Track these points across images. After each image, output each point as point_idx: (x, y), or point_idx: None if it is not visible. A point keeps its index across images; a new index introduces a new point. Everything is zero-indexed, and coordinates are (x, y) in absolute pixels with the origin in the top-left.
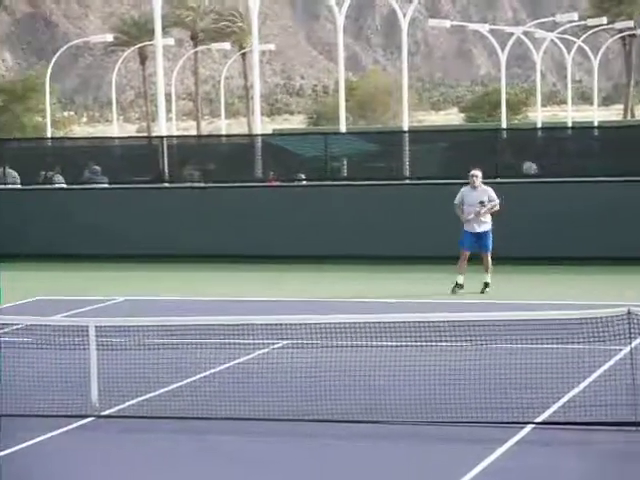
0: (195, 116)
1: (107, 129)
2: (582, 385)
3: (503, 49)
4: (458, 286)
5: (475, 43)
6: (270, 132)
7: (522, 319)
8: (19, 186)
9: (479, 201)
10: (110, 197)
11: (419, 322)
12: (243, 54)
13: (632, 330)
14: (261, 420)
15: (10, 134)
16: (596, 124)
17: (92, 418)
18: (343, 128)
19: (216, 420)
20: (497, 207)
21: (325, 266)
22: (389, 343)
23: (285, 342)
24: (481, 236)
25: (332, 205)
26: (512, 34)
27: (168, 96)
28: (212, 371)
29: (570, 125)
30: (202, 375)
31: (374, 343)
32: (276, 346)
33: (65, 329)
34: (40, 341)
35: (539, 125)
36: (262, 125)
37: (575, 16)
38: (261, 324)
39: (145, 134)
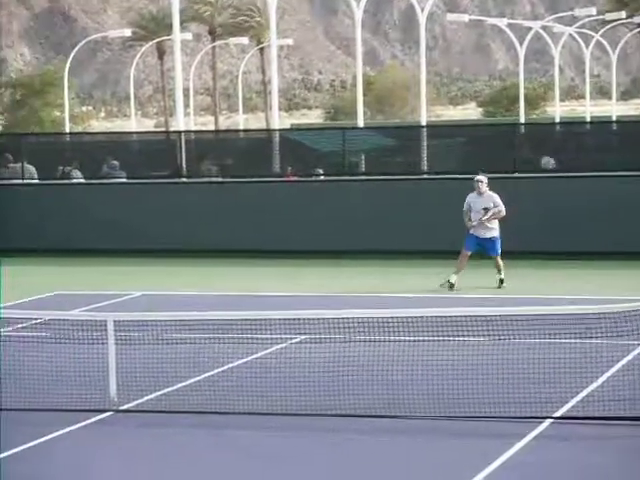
0: (213, 111)
1: (125, 124)
2: (600, 380)
3: (521, 44)
4: (449, 284)
5: (493, 37)
6: (288, 127)
7: (540, 314)
8: (36, 181)
9: (483, 207)
10: (128, 192)
11: (437, 317)
12: (261, 49)
13: None
14: (279, 415)
15: (28, 129)
16: (614, 118)
17: (111, 413)
18: (361, 123)
19: (234, 415)
20: (502, 213)
21: (342, 261)
22: (407, 338)
23: (303, 337)
24: (488, 242)
25: (349, 200)
26: (530, 28)
27: (186, 91)
28: (230, 366)
29: (588, 120)
30: (220, 370)
31: (392, 338)
32: (294, 341)
33: (84, 323)
34: (59, 335)
35: (557, 120)
36: (280, 120)
37: (593, 10)
38: (279, 319)
39: (163, 129)
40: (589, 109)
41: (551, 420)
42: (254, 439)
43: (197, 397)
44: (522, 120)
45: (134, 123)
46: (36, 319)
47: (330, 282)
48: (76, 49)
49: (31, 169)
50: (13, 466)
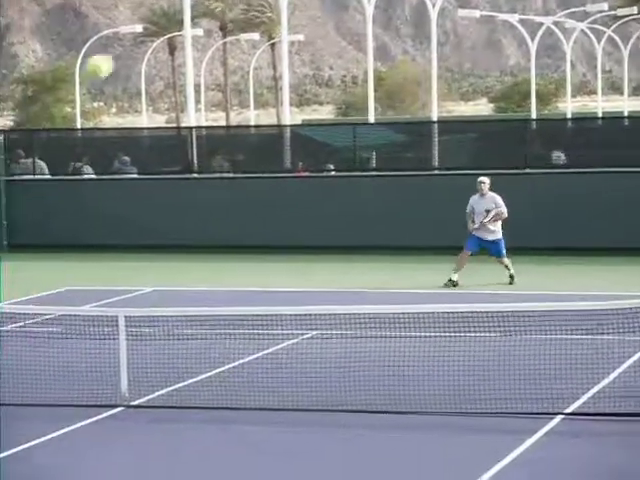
0: (224, 107)
1: (136, 120)
2: (612, 376)
3: (533, 39)
4: (451, 282)
5: (505, 33)
6: (299, 123)
7: (551, 310)
8: (47, 177)
9: (485, 209)
10: (139, 188)
11: (448, 313)
12: (272, 45)
13: None
14: (290, 410)
15: (39, 125)
16: (626, 114)
17: (122, 408)
18: (372, 118)
19: (245, 410)
20: (504, 214)
21: (353, 256)
22: (418, 334)
23: (314, 332)
24: (492, 244)
25: (360, 195)
26: (542, 24)
27: (197, 87)
28: (241, 361)
29: (600, 115)
30: (231, 365)
31: (403, 334)
32: (305, 336)
33: (95, 319)
34: (70, 331)
35: (569, 115)
36: (291, 116)
37: (605, 6)
38: (290, 314)
39: (174, 125)
40: (601, 105)
41: (562, 416)
42: (265, 435)
43: (208, 393)
44: (533, 116)
45: (145, 119)
46: (47, 314)
47: (341, 278)
48: (87, 45)
49: (42, 165)
50: (24, 461)
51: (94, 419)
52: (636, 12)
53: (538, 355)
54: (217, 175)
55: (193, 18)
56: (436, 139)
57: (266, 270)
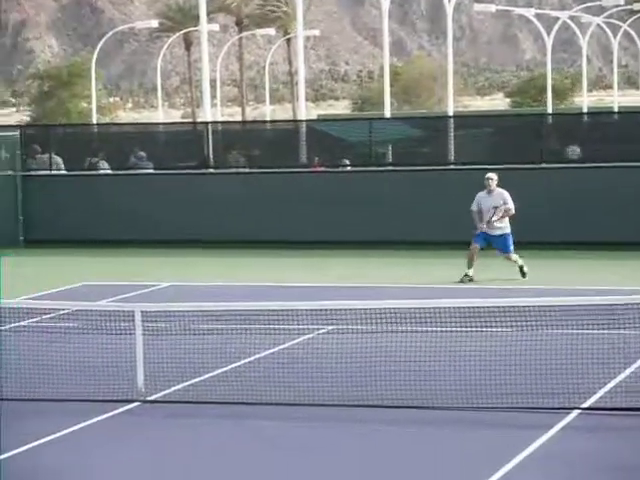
0: (240, 102)
1: (152, 115)
2: (628, 371)
3: (549, 34)
4: (467, 277)
5: (521, 28)
6: (315, 118)
7: (567, 304)
8: (63, 172)
9: (493, 206)
10: (155, 183)
11: (463, 308)
12: (288, 40)
13: None
14: (306, 405)
15: (56, 120)
16: None
17: (138, 403)
18: (388, 113)
19: (261, 405)
20: (512, 211)
21: (369, 251)
22: (434, 328)
23: (330, 327)
24: (498, 239)
25: (376, 190)
26: (558, 18)
27: (213, 82)
28: (257, 356)
29: (616, 110)
30: (247, 360)
31: (419, 329)
32: (321, 331)
33: (111, 314)
34: (86, 326)
35: (585, 110)
36: (307, 111)
37: (621, 0)
38: (306, 309)
39: (190, 120)
40: (617, 99)
41: (579, 411)
42: (281, 430)
43: (224, 388)
44: (549, 110)
45: (161, 114)
46: (63, 310)
47: (357, 273)
48: (103, 40)
49: (58, 160)
50: (41, 456)
51: (110, 414)
52: None
53: (554, 350)
54: (233, 170)
55: (209, 13)
56: (452, 134)
57: (282, 265)
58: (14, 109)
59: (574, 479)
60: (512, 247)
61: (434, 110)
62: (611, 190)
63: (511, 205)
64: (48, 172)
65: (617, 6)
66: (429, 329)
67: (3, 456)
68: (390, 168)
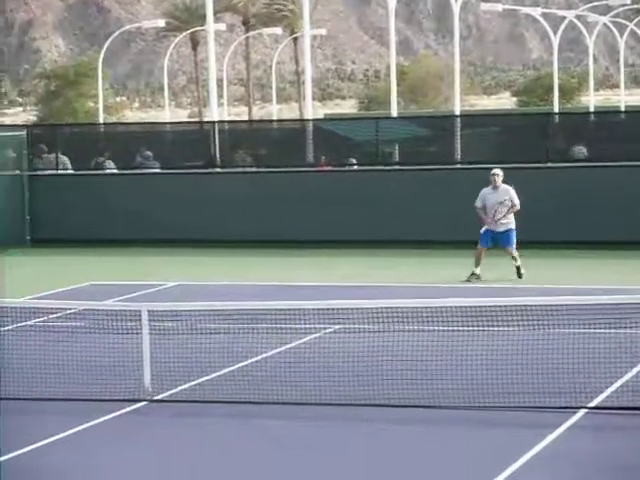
0: (247, 101)
1: (159, 114)
2: (635, 370)
3: (555, 33)
4: (474, 275)
5: (527, 27)
6: (321, 117)
7: (574, 303)
8: (70, 171)
9: (498, 202)
10: (161, 182)
11: (470, 307)
12: (294, 39)
13: None
14: (312, 405)
15: (62, 120)
16: None
17: (145, 402)
18: (394, 113)
19: (268, 404)
20: (517, 207)
21: (376, 251)
22: (440, 328)
23: (337, 327)
24: (502, 235)
25: (383, 190)
26: (564, 18)
27: (220, 81)
28: (264, 355)
29: (623, 109)
30: (254, 360)
31: (425, 328)
32: (328, 331)
33: (118, 314)
34: (93, 326)
35: (591, 109)
36: (313, 110)
37: None
38: (313, 309)
39: (197, 119)
40: (623, 98)
41: (585, 410)
42: (288, 429)
43: (231, 387)
44: (556, 110)
45: (168, 113)
46: (70, 309)
47: (363, 272)
48: (110, 40)
49: (65, 160)
50: (47, 455)
51: (117, 413)
52: None
53: (561, 349)
54: (239, 170)
55: (215, 12)
56: (459, 133)
57: (288, 264)
58: (21, 109)
59: (581, 478)
60: (515, 242)
61: (441, 109)
62: (617, 189)
63: (517, 201)
64: (55, 172)
65: (623, 5)
66: (436, 328)
67: (9, 455)
68: (397, 167)
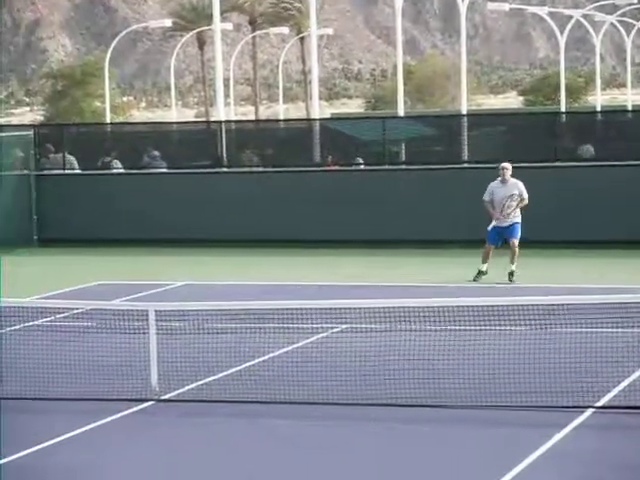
0: (253, 101)
1: (166, 114)
2: None
3: (562, 32)
4: (481, 273)
5: (534, 26)
6: (328, 116)
7: (581, 303)
8: (77, 171)
9: (508, 195)
10: (168, 182)
11: (476, 306)
12: (301, 38)
13: None
14: (320, 404)
15: (69, 119)
16: None
17: (152, 402)
18: (401, 112)
19: (275, 404)
20: (526, 201)
21: (382, 250)
22: (447, 327)
23: (344, 326)
24: (508, 228)
25: (390, 189)
26: (571, 17)
27: (226, 81)
28: (271, 355)
29: (630, 108)
30: (261, 359)
31: (432, 327)
32: (335, 330)
33: (125, 313)
34: (100, 325)
35: (598, 108)
36: (320, 109)
37: None
38: (320, 308)
39: (204, 119)
40: (630, 97)
41: (592, 410)
42: (295, 428)
43: (238, 387)
44: (563, 109)
45: (175, 113)
46: (77, 309)
47: (370, 272)
48: (117, 39)
49: (72, 159)
50: (54, 455)
51: (124, 413)
52: None
53: (568, 348)
54: (246, 169)
55: (222, 12)
56: (465, 132)
57: (295, 264)
58: (28, 108)
59: (588, 478)
60: (519, 234)
61: (447, 109)
62: (625, 188)
63: (526, 195)
64: (62, 171)
65: (630, 4)
66: (442, 328)
67: (17, 455)
68: (403, 167)
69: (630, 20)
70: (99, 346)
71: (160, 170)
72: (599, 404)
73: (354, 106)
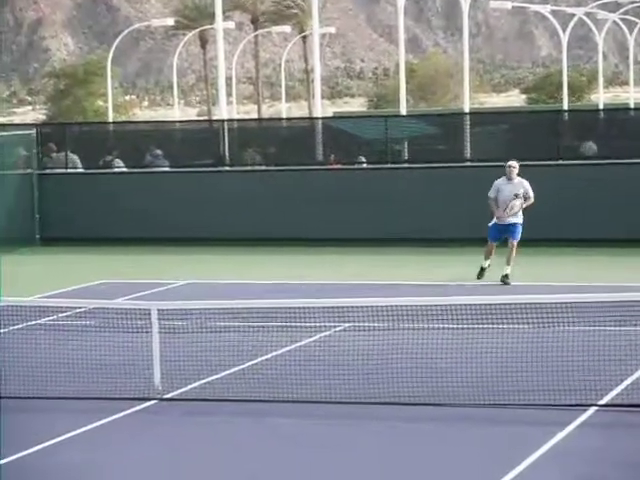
0: (256, 100)
1: (168, 113)
2: None
3: (565, 30)
4: (484, 270)
5: (536, 24)
6: (330, 115)
7: (584, 301)
8: (80, 170)
9: (514, 194)
10: (171, 181)
11: (480, 304)
12: (303, 37)
13: None
14: (322, 403)
15: (72, 118)
16: None
17: (155, 401)
18: (403, 110)
19: (278, 403)
20: (532, 200)
21: (385, 249)
22: (450, 326)
23: (347, 325)
24: (509, 227)
25: (392, 188)
26: (574, 15)
27: (229, 80)
28: (274, 354)
29: (632, 106)
30: (264, 358)
31: (435, 326)
32: (338, 329)
33: (128, 312)
34: (103, 324)
35: (601, 106)
36: (323, 108)
37: None
38: (323, 307)
39: (206, 118)
40: (633, 95)
41: (595, 408)
42: (298, 427)
43: (241, 385)
44: (565, 107)
45: (177, 112)
46: (80, 308)
47: (372, 270)
48: (119, 38)
49: (74, 158)
50: (57, 454)
51: (127, 412)
52: None
53: (570, 347)
54: (249, 168)
55: (224, 11)
56: (468, 131)
57: (298, 263)
58: (30, 107)
59: (591, 476)
60: (519, 236)
61: (450, 107)
62: (627, 186)
63: (532, 194)
64: (64, 170)
65: (633, 2)
66: (445, 326)
67: (19, 454)
68: (406, 165)
69: (633, 18)
70: (102, 345)
71: (163, 169)
72: (602, 402)
73: (356, 105)
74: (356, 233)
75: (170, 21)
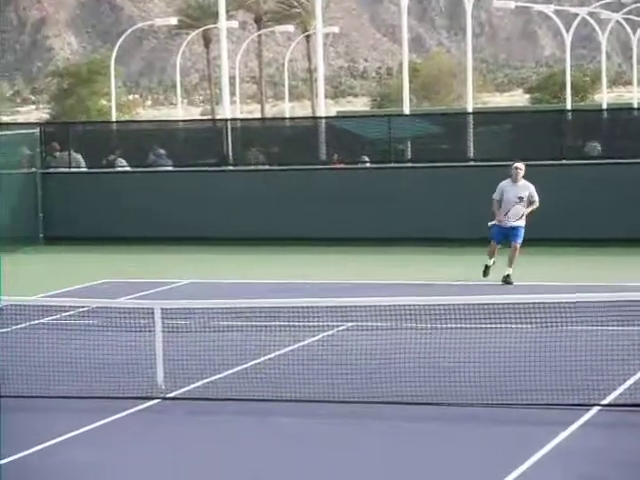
0: (259, 99)
1: (172, 112)
2: None
3: (568, 30)
4: (489, 268)
5: (540, 24)
6: (334, 114)
7: (587, 301)
8: (83, 169)
9: (518, 196)
10: (174, 180)
11: (482, 304)
12: (307, 37)
13: None
14: (325, 402)
15: (75, 117)
16: None
17: (158, 400)
18: (407, 110)
19: (281, 402)
20: (536, 204)
21: (388, 248)
22: (453, 325)
23: (350, 324)
24: (511, 230)
25: (396, 187)
26: (577, 15)
27: (232, 79)
28: (277, 353)
29: (636, 106)
30: (267, 357)
31: (438, 325)
32: (341, 328)
33: (131, 311)
34: (106, 323)
35: (604, 106)
36: (326, 108)
37: None
38: (326, 306)
39: (209, 117)
40: (636, 95)
41: (599, 407)
42: (301, 426)
43: (244, 384)
44: (569, 107)
45: (181, 111)
46: (83, 307)
47: (375, 270)
48: (122, 37)
49: (78, 157)
50: (60, 454)
51: (130, 411)
52: None
53: (573, 346)
54: (252, 167)
55: (228, 10)
56: (471, 130)
57: (301, 262)
58: (34, 107)
59: (594, 476)
60: (522, 238)
61: (453, 107)
62: (631, 186)
63: (537, 198)
64: (67, 170)
65: (636, 2)
66: (448, 326)
67: (22, 453)
68: (409, 165)
69: (636, 18)
70: (105, 344)
71: (166, 168)
72: (605, 402)
73: (360, 104)
74: (359, 233)
75: (173, 20)
